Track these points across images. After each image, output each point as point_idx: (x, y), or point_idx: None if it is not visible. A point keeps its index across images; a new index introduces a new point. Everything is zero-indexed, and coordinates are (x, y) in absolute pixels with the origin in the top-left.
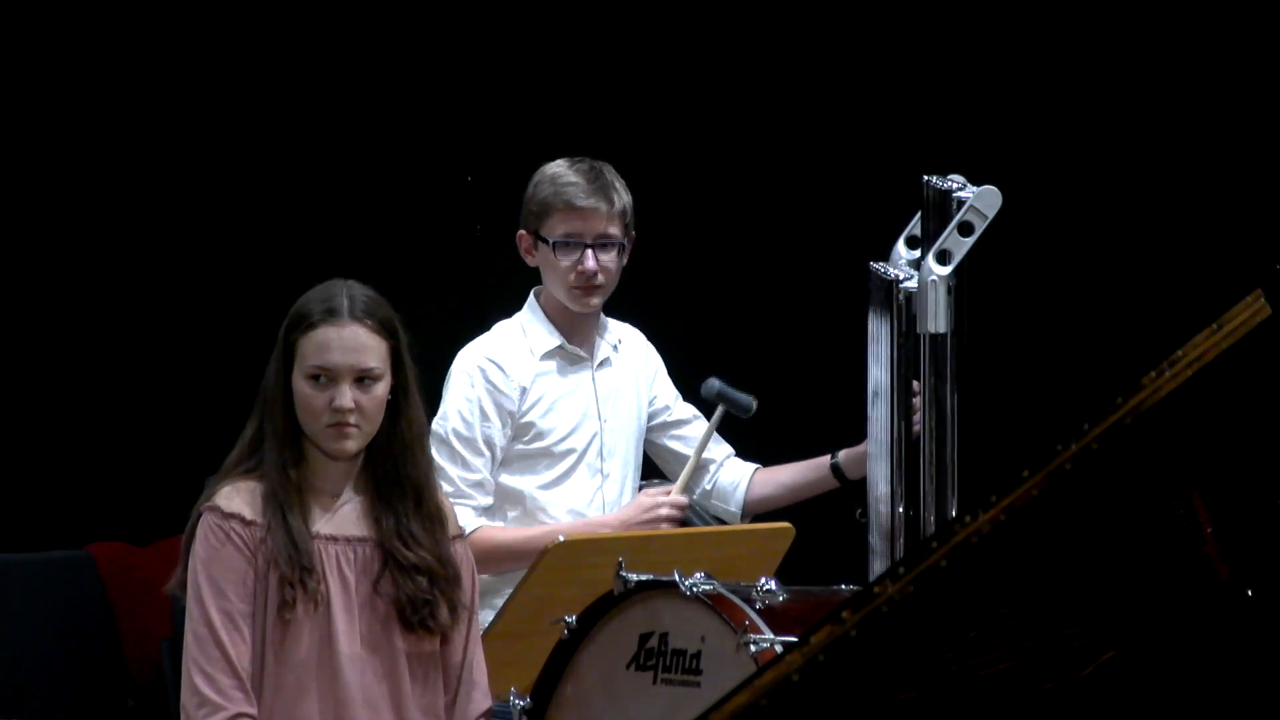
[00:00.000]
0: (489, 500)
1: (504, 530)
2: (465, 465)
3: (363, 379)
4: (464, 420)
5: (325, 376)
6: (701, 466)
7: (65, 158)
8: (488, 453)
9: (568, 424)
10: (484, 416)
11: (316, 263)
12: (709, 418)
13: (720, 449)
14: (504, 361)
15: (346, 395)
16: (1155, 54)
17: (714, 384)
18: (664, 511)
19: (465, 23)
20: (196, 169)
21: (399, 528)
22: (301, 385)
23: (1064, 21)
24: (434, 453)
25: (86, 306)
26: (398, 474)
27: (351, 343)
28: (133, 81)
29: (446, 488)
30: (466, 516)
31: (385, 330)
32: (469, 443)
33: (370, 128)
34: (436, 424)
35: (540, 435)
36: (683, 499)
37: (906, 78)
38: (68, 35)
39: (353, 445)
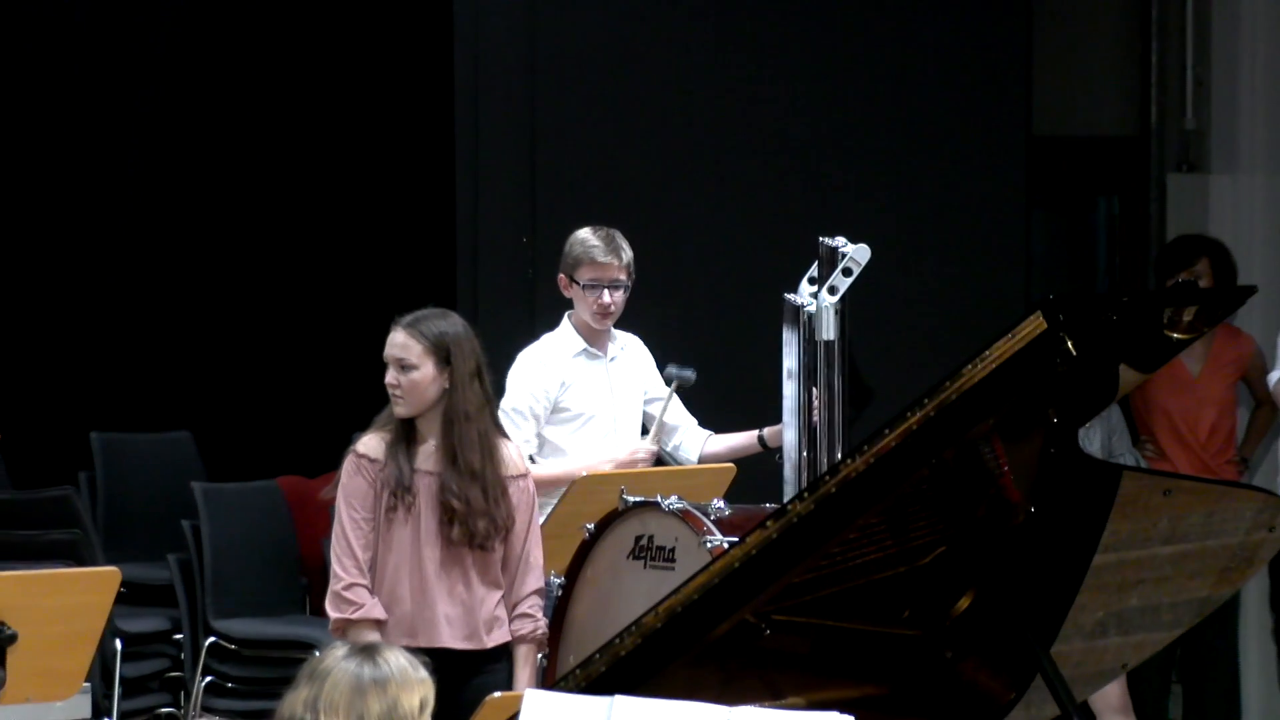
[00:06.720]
0: (533, 449)
1: (539, 466)
2: (518, 429)
3: (403, 367)
4: (517, 399)
5: (388, 364)
6: (673, 429)
7: (241, 172)
8: (533, 420)
9: (589, 399)
10: (533, 398)
11: (430, 294)
12: (669, 391)
13: (687, 419)
14: (547, 361)
15: (391, 375)
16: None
17: (669, 371)
18: (640, 455)
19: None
20: (350, 214)
21: (459, 477)
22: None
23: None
24: (501, 419)
25: (284, 317)
26: (453, 438)
27: (397, 342)
28: (286, 97)
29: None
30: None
31: (425, 338)
32: (521, 414)
33: (464, 203)
34: (504, 401)
35: (569, 408)
36: (652, 446)
37: (812, 169)
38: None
39: (401, 410)
